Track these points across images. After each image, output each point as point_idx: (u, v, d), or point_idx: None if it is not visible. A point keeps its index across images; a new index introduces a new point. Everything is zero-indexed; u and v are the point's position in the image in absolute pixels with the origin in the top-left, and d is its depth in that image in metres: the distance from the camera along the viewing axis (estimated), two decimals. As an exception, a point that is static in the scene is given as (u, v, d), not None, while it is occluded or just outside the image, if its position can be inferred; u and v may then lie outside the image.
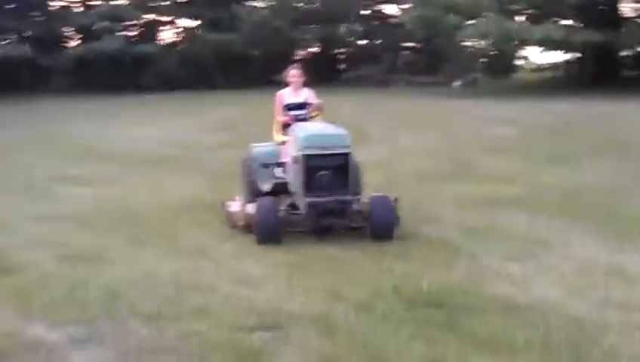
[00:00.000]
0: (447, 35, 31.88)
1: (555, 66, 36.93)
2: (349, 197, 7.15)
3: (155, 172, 12.25)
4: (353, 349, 4.53)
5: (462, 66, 38.70)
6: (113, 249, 7.05)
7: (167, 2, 41.05)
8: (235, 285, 5.84)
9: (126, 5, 38.75)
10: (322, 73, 38.69)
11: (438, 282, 5.87)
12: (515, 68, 40.53)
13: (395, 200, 7.46)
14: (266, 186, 7.93)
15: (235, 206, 7.75)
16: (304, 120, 8.22)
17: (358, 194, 7.67)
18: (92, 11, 37.94)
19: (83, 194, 10.14)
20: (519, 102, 22.74)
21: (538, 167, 11.73)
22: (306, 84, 8.57)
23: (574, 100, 21.85)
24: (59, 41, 38.50)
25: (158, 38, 41.10)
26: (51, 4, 39.32)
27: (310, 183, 7.10)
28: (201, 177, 11.53)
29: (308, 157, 7.09)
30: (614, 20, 28.95)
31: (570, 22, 30.29)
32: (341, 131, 7.50)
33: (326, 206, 7.01)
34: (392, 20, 40.65)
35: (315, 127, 7.77)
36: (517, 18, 29.66)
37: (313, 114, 8.41)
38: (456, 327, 4.87)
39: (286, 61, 40.57)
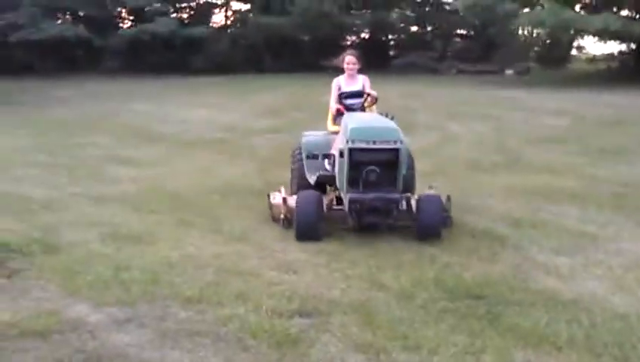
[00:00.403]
0: (502, 22, 31.46)
1: (610, 57, 36.13)
2: (396, 196, 6.63)
3: (204, 154, 12.34)
4: (393, 338, 4.48)
5: (515, 55, 38.22)
6: (158, 230, 7.10)
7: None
8: (276, 271, 5.82)
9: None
10: (372, 59, 38.55)
11: (482, 273, 5.78)
12: (570, 58, 39.80)
13: (448, 198, 7.16)
14: (312, 178, 7.52)
15: (278, 197, 7.36)
16: (357, 110, 7.82)
17: (409, 191, 7.31)
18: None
19: (131, 175, 10.25)
20: (573, 92, 22.34)
21: (590, 159, 11.50)
22: (360, 71, 8.13)
23: (629, 92, 21.37)
24: (112, 21, 38.93)
25: (210, 21, 41.35)
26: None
27: (354, 178, 6.61)
28: (249, 161, 11.58)
29: (353, 150, 6.57)
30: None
31: (627, 12, 29.59)
32: (392, 124, 6.91)
33: (370, 203, 6.55)
34: (445, 6, 40.24)
35: (365, 119, 7.19)
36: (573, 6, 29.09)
37: (368, 104, 7.93)
38: (498, 320, 4.79)
39: (336, 46, 40.75)
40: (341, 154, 6.70)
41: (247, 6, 41.32)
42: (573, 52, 41.46)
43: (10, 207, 8.06)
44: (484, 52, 39.18)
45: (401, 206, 6.84)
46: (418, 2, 41.31)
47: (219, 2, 42.34)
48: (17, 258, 6.04)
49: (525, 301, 5.19)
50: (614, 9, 28.72)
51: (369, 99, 7.89)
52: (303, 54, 37.91)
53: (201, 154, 12.41)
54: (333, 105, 7.94)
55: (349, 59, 7.99)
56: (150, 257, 6.14)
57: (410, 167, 7.54)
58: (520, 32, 37.96)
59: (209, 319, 4.75)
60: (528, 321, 4.77)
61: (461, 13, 32.87)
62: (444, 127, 15.44)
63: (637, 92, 21.35)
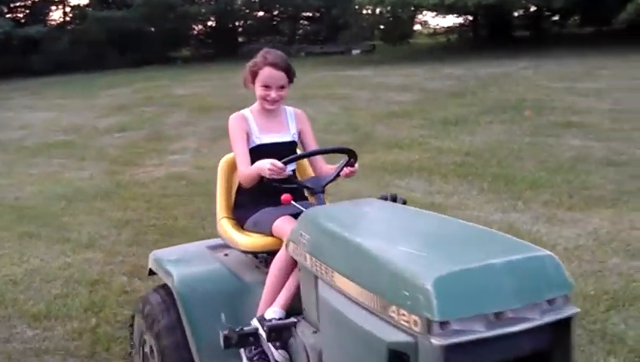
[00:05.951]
0: (345, 2, 31.96)
1: (450, 30, 37.60)
2: None
3: (48, 160, 11.83)
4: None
5: (360, 34, 38.99)
6: (0, 245, 6.74)
7: (56, -20, 39.78)
8: (127, 276, 5.67)
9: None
10: (221, 47, 38.21)
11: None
12: (413, 33, 41.00)
13: None
14: None
15: None
16: (319, 193, 3.50)
17: None
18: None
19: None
20: (416, 67, 23.00)
21: (434, 131, 11.87)
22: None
23: (469, 63, 22.23)
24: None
25: (48, 19, 39.71)
26: None
27: None
28: (98, 163, 11.22)
29: (450, 351, 1.97)
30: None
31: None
32: (528, 245, 2.32)
33: None
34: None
35: (430, 236, 2.56)
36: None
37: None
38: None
39: (183, 36, 39.87)
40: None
41: (86, 1, 39.96)
42: (418, 27, 42.75)
43: None
44: (331, 33, 39.70)
45: None
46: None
47: (55, -1, 40.73)
48: None
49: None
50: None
51: (345, 170, 3.56)
52: (149, 47, 36.98)
53: (45, 159, 11.88)
54: (245, 171, 3.45)
55: (272, 75, 3.58)
56: (-8, 275, 5.84)
57: None
58: (364, 11, 38.66)
59: (58, 335, 4.58)
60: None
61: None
62: (295, 111, 15.48)
63: (475, 62, 22.26)
